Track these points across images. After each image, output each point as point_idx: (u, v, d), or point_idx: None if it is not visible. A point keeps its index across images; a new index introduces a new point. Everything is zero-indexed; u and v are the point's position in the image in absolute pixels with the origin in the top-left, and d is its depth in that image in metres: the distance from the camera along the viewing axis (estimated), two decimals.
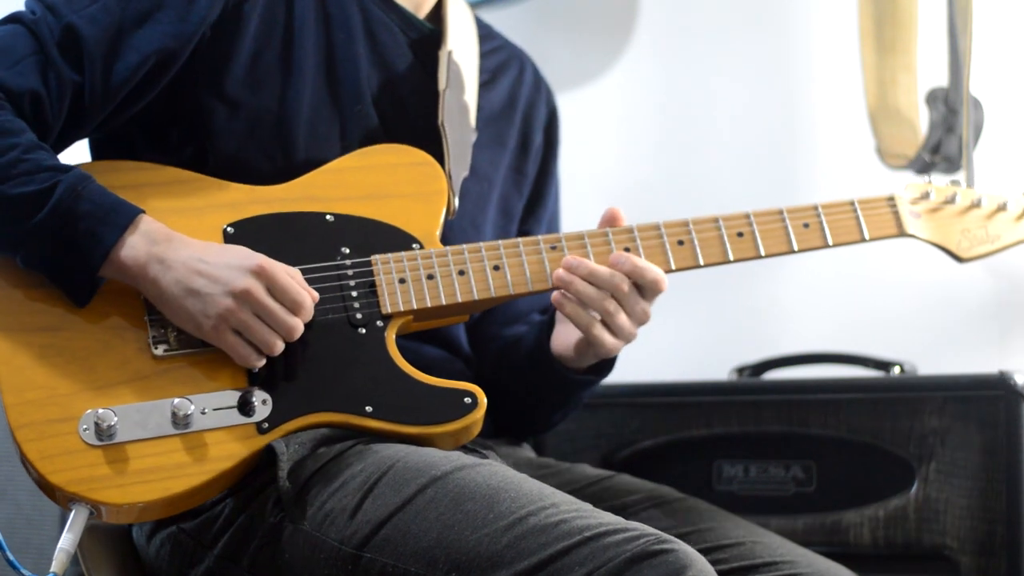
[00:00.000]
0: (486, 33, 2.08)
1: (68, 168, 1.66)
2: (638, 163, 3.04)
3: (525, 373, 1.93)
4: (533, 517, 1.54)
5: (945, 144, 2.60)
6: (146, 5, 1.74)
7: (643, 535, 1.50)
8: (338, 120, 1.83)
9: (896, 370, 2.42)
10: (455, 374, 1.85)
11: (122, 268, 1.66)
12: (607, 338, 1.80)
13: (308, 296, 1.68)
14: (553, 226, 2.10)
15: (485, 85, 2.01)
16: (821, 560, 1.84)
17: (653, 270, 1.79)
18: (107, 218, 1.64)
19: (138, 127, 1.81)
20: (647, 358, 2.83)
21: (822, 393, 2.31)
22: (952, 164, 2.61)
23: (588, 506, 1.58)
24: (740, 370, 2.55)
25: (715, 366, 2.62)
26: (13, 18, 1.74)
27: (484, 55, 2.04)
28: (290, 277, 1.67)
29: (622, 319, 1.79)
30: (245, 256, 1.67)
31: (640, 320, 1.81)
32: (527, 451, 2.03)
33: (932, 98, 2.64)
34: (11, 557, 1.59)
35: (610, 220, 1.84)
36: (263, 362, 1.68)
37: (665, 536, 1.51)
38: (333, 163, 1.81)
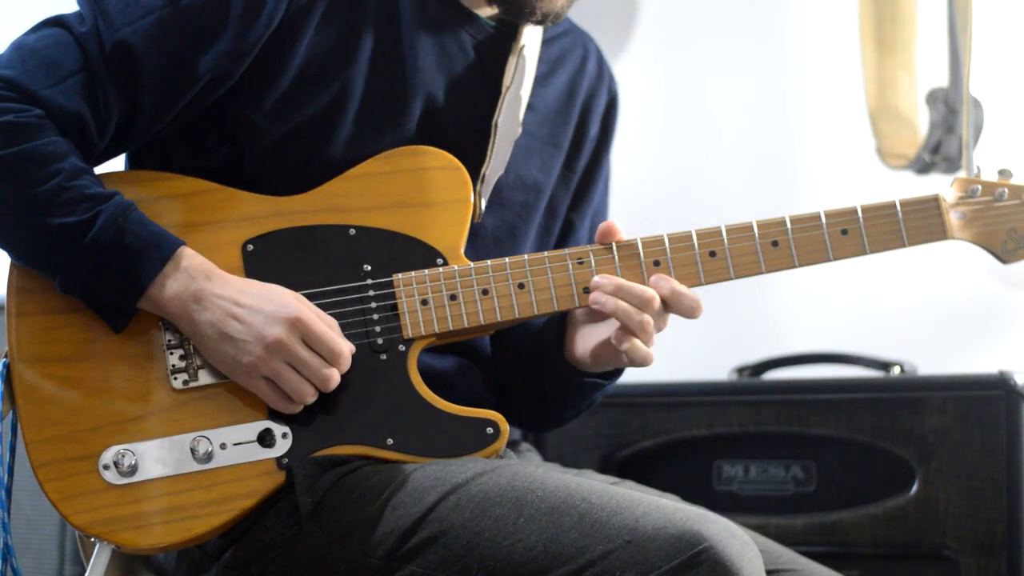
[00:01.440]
0: None
1: (110, 196, 1.61)
2: (638, 162, 3.04)
3: (540, 373, 1.87)
4: (566, 517, 1.51)
5: (945, 144, 2.61)
6: (204, 21, 1.66)
7: (685, 536, 1.47)
8: (382, 136, 1.76)
9: (896, 370, 2.41)
10: (474, 385, 1.83)
11: (159, 305, 1.62)
12: (641, 347, 1.72)
13: (346, 346, 1.64)
14: (598, 218, 1.98)
15: (541, 79, 1.91)
16: (821, 569, 1.83)
17: (690, 296, 1.72)
18: (146, 253, 1.60)
19: (175, 131, 1.74)
20: None
21: (822, 393, 2.31)
22: (952, 164, 2.61)
23: (621, 494, 1.54)
24: (740, 370, 2.55)
25: (715, 366, 2.62)
26: (59, 22, 1.66)
27: (546, 42, 1.92)
28: (327, 327, 1.63)
29: (651, 330, 1.72)
30: (282, 304, 1.62)
31: (659, 328, 1.74)
32: (534, 455, 2.00)
33: (932, 98, 2.64)
34: (16, 566, 1.60)
35: (606, 234, 1.75)
36: (297, 409, 1.64)
37: (709, 537, 1.47)
38: (356, 169, 1.74)
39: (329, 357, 1.62)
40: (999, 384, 2.18)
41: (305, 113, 1.73)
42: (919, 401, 2.23)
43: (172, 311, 1.63)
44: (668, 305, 1.72)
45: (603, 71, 2.01)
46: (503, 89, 1.82)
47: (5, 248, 1.65)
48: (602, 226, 1.76)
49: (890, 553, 2.23)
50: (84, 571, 1.70)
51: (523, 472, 1.59)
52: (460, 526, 1.55)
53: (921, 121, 2.65)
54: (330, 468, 1.65)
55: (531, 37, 1.87)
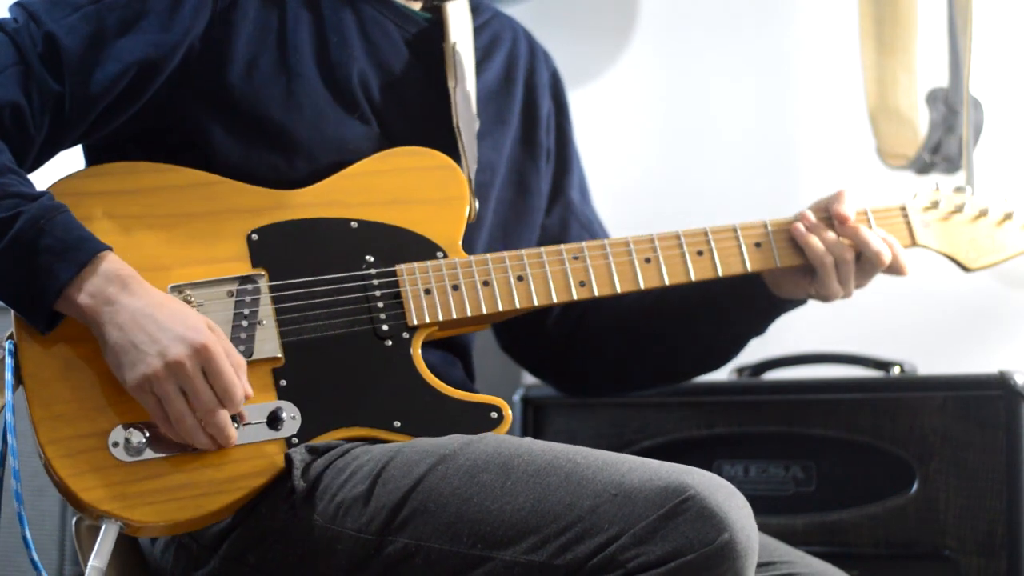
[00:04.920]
0: (475, 5, 2.00)
1: (35, 197, 1.61)
2: (638, 163, 3.04)
3: (712, 307, 1.98)
4: (553, 477, 1.53)
5: (945, 144, 2.61)
6: (128, 14, 1.71)
7: (671, 487, 1.48)
8: (341, 125, 1.80)
9: (896, 370, 2.41)
10: (457, 376, 1.85)
11: (75, 307, 1.61)
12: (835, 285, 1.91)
13: (241, 390, 1.62)
14: (584, 188, 2.10)
15: (479, 65, 1.96)
16: (817, 562, 1.85)
17: (875, 245, 1.91)
18: (65, 255, 1.59)
19: (135, 143, 1.77)
20: None
21: (822, 393, 2.31)
22: (952, 164, 2.61)
23: (606, 454, 1.57)
24: (740, 370, 2.55)
25: None
26: None
27: (476, 30, 1.97)
28: (230, 366, 1.61)
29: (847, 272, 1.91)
30: (194, 328, 1.60)
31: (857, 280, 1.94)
32: None
33: (932, 98, 2.64)
34: (35, 556, 1.60)
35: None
36: (175, 435, 1.62)
37: (694, 486, 1.48)
38: (355, 167, 1.78)
39: (222, 395, 1.60)
40: (999, 384, 2.18)
41: (263, 109, 1.75)
42: (919, 401, 2.23)
43: (85, 313, 1.61)
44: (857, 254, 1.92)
45: (535, 49, 2.07)
46: (450, 91, 1.86)
47: None
48: None
49: (890, 553, 2.23)
50: (83, 572, 1.71)
51: (509, 440, 1.61)
52: (449, 494, 1.56)
53: (921, 121, 2.65)
54: (324, 453, 1.67)
55: (460, 31, 1.91)
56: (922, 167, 2.63)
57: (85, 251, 1.61)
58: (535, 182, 2.00)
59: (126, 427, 1.62)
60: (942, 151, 2.61)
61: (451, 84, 1.86)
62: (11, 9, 1.73)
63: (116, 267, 1.62)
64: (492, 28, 2.02)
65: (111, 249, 1.63)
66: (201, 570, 1.70)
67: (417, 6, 1.91)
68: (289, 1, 1.81)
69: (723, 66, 2.98)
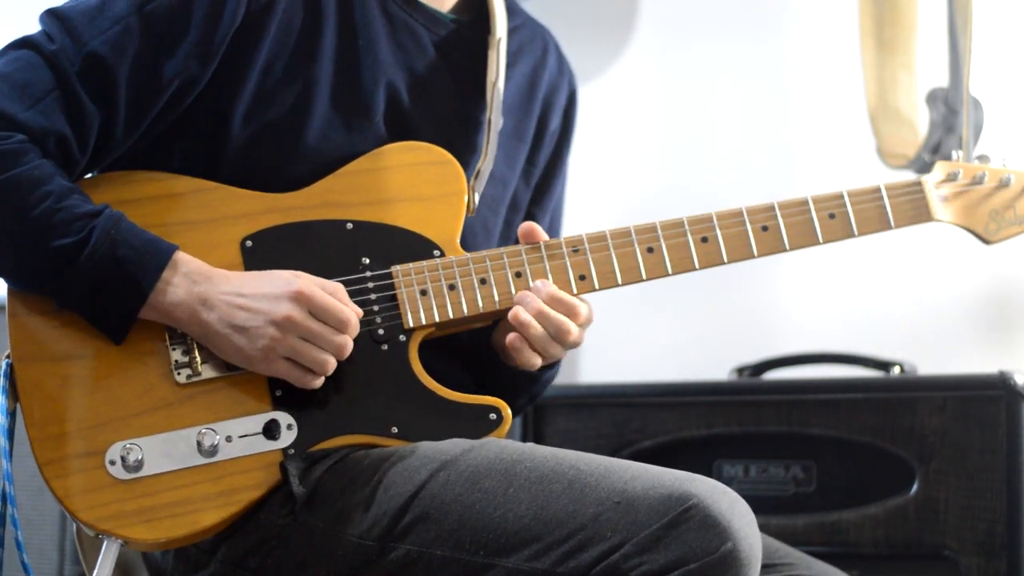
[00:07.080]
0: (510, 8, 1.97)
1: (99, 211, 1.62)
2: (637, 162, 3.04)
3: (483, 364, 1.89)
4: (555, 484, 1.53)
5: (945, 144, 2.60)
6: (169, 27, 1.68)
7: (674, 495, 1.48)
8: (351, 132, 1.78)
9: (896, 370, 2.42)
10: (454, 376, 1.84)
11: (164, 312, 1.63)
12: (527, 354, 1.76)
13: (352, 312, 1.66)
14: (556, 215, 2.04)
15: (507, 69, 1.93)
16: (819, 563, 1.84)
17: (559, 319, 1.74)
18: (142, 262, 1.61)
19: (144, 154, 1.75)
20: (647, 358, 2.83)
21: (822, 393, 2.31)
22: None
23: (609, 461, 1.56)
24: (740, 370, 2.55)
25: (715, 366, 2.62)
26: (27, 43, 1.66)
27: (508, 33, 1.95)
28: (331, 296, 1.65)
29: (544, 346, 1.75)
30: (283, 283, 1.64)
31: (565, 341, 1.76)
32: None
33: (932, 98, 2.64)
34: (26, 559, 1.61)
35: (528, 235, 1.79)
36: (321, 381, 1.66)
37: (697, 494, 1.47)
38: (351, 165, 1.76)
39: (338, 325, 1.65)
40: (999, 384, 2.18)
41: (272, 113, 1.74)
42: (919, 401, 2.23)
43: (179, 317, 1.64)
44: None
45: (563, 66, 2.04)
46: (488, 84, 1.84)
47: (3, 276, 1.66)
48: (524, 226, 1.79)
49: (890, 553, 2.23)
50: (83, 571, 1.71)
51: (511, 446, 1.61)
52: (451, 501, 1.56)
53: (921, 121, 2.65)
54: (321, 459, 1.67)
55: (502, 29, 1.89)
56: (922, 167, 2.63)
57: (160, 254, 1.63)
58: (523, 201, 1.98)
59: (123, 444, 1.62)
60: (942, 151, 2.61)
61: (490, 78, 1.85)
62: (43, 19, 1.68)
63: (194, 266, 1.64)
64: (520, 35, 1.98)
65: (178, 247, 1.65)
66: (200, 573, 1.70)
67: (444, 8, 1.88)
68: (322, 3, 1.78)
69: (723, 65, 2.98)
